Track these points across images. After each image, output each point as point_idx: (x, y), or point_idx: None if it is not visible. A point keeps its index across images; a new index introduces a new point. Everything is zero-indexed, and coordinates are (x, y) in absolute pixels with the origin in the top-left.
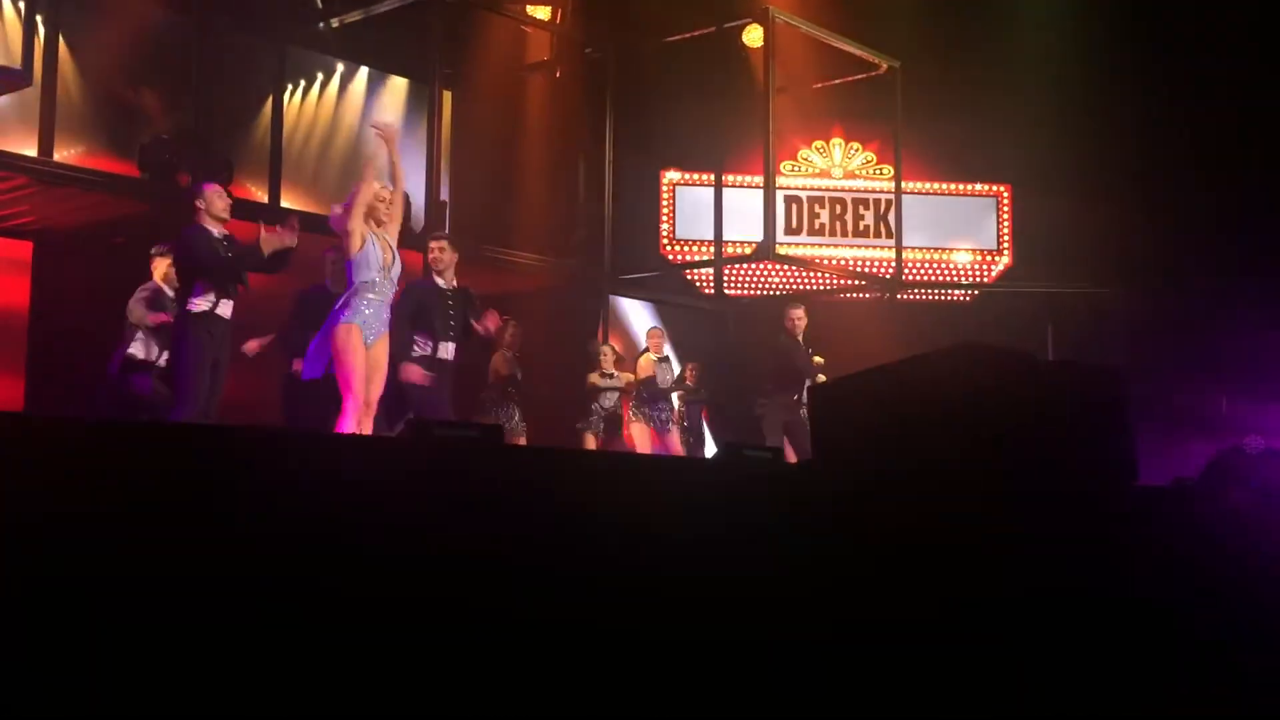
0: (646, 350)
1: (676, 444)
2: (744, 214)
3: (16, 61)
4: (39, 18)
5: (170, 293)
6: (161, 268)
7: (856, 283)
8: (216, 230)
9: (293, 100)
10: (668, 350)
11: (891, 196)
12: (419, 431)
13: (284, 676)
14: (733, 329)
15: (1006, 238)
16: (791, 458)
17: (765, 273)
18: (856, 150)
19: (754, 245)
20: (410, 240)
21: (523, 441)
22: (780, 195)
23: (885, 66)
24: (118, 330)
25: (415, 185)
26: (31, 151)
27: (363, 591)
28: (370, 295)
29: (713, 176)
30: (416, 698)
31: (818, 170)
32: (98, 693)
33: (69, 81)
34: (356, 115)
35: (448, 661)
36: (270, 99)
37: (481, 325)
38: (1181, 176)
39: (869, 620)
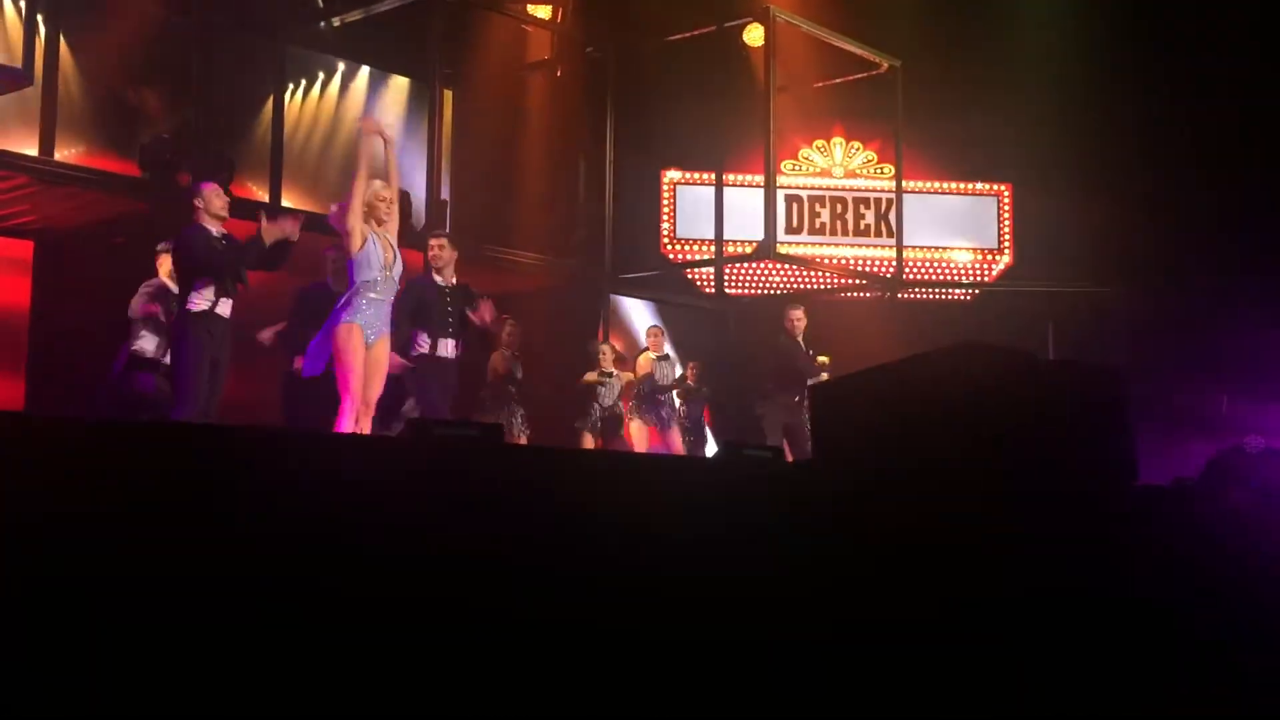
0: (646, 349)
1: (678, 442)
2: (744, 213)
3: (17, 61)
4: (40, 17)
5: (175, 289)
6: (167, 265)
7: (857, 282)
8: (215, 229)
9: (293, 100)
10: (668, 349)
11: (892, 196)
12: (419, 431)
13: (284, 676)
14: (733, 328)
15: (1007, 237)
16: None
17: (766, 272)
18: (857, 149)
19: (755, 244)
20: (411, 239)
21: (524, 442)
22: (781, 194)
23: (886, 65)
24: (119, 329)
25: (416, 184)
26: (32, 151)
27: (363, 591)
28: (372, 294)
29: (713, 176)
30: (417, 698)
31: (818, 169)
32: (98, 693)
33: (70, 81)
34: (357, 115)
35: (448, 661)
36: (271, 99)
37: (477, 315)
38: (1183, 175)
39: (869, 620)
